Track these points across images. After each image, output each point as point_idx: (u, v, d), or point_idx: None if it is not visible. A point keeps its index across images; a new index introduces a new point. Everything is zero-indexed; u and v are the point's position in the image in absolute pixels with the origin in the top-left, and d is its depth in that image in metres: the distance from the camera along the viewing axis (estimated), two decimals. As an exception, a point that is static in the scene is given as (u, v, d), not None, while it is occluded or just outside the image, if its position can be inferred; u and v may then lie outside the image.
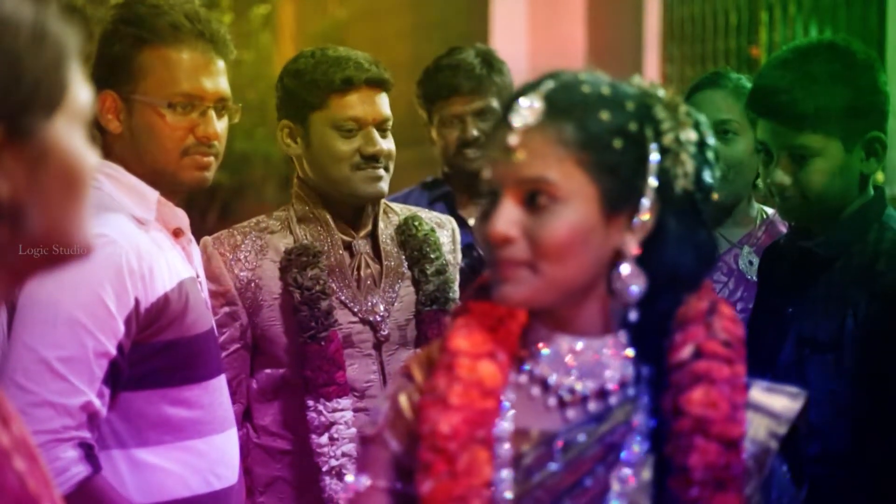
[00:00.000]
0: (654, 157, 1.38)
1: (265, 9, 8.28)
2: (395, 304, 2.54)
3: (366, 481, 1.45)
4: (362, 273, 2.54)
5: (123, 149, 2.14)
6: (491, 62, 3.21)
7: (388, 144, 2.51)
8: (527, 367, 1.42)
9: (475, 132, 3.14)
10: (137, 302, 2.01)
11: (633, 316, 1.38)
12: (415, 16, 8.41)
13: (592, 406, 1.40)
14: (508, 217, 1.35)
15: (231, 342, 2.49)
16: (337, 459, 2.45)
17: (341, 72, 2.49)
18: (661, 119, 1.39)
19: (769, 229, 2.77)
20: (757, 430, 1.39)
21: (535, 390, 1.41)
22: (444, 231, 2.66)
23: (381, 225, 2.58)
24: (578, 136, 1.36)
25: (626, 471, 1.37)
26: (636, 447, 1.38)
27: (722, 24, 6.95)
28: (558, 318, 1.41)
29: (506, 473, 1.38)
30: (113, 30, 2.14)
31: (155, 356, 2.07)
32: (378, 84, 2.51)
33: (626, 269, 1.37)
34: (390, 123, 2.53)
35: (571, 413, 1.40)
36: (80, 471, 1.94)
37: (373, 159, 2.48)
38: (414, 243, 2.56)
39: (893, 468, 2.03)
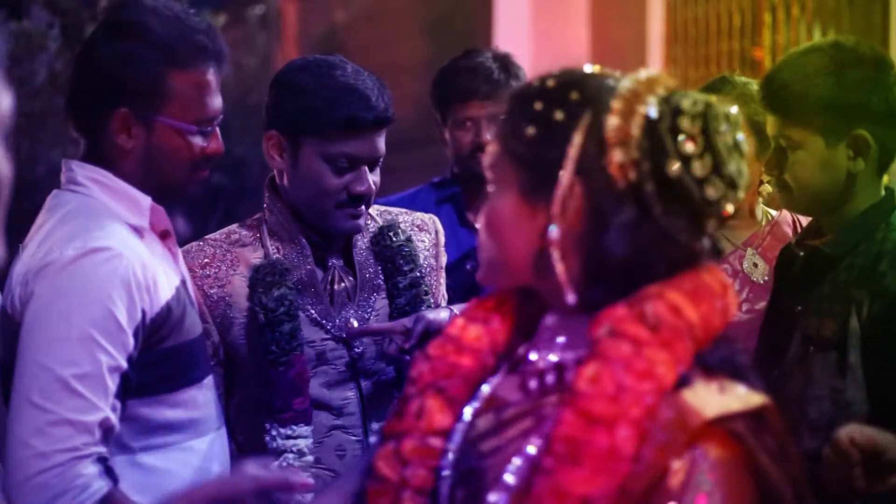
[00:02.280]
0: (576, 145, 1.38)
1: (260, 9, 8.27)
2: (371, 318, 2.43)
3: None
4: (335, 287, 2.43)
5: (132, 163, 2.13)
6: (508, 67, 3.20)
7: (376, 179, 2.40)
8: (519, 342, 1.49)
9: (489, 136, 3.13)
10: (144, 313, 2.03)
11: (570, 299, 1.40)
12: (418, 17, 8.40)
13: (549, 379, 1.43)
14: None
15: None
16: None
17: (347, 108, 2.32)
18: (610, 109, 1.38)
19: (774, 231, 2.76)
20: (671, 419, 1.32)
21: (518, 363, 1.48)
22: (426, 233, 2.56)
23: (357, 235, 2.46)
24: (504, 128, 1.45)
25: (536, 439, 1.38)
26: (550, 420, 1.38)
27: (725, 26, 6.93)
28: (543, 297, 1.47)
29: (459, 429, 1.45)
30: (131, 51, 2.10)
31: (158, 364, 2.09)
32: (383, 123, 2.37)
33: (553, 255, 1.39)
34: (381, 159, 2.41)
35: (532, 384, 1.44)
36: (102, 486, 1.95)
37: (358, 199, 2.36)
38: (388, 254, 2.46)
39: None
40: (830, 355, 2.12)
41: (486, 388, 1.47)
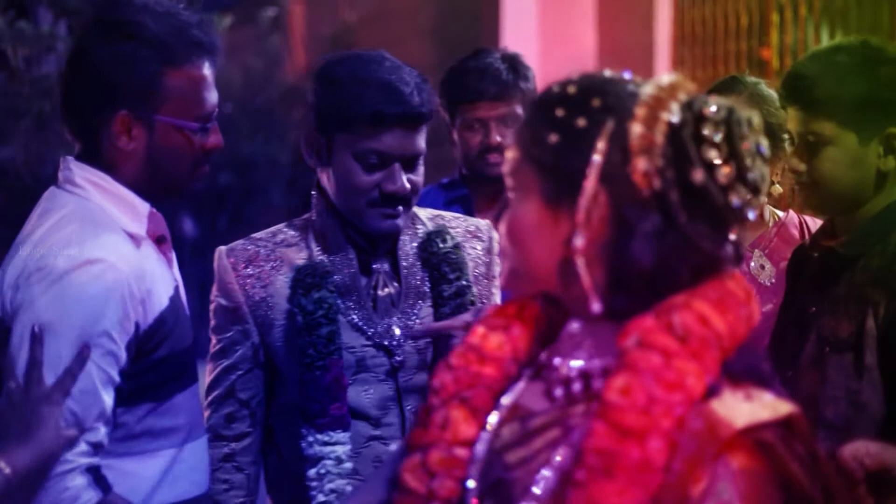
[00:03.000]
0: (600, 152, 1.37)
1: (273, 12, 8.28)
2: (415, 325, 2.34)
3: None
4: (379, 293, 2.35)
5: (134, 165, 2.11)
6: (517, 68, 3.18)
7: (415, 178, 2.30)
8: (540, 348, 1.49)
9: (498, 138, 3.12)
10: (138, 326, 2.03)
11: (595, 307, 1.39)
12: (425, 18, 8.40)
13: (577, 387, 1.43)
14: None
15: (243, 361, 2.35)
16: (325, 495, 2.28)
17: (373, 102, 2.25)
18: (633, 115, 1.37)
19: (781, 232, 2.76)
20: (701, 430, 1.32)
21: (541, 370, 1.48)
22: (479, 241, 2.46)
23: (405, 238, 2.38)
24: (526, 134, 1.43)
25: (564, 449, 1.38)
26: (580, 431, 1.38)
27: (733, 26, 6.92)
28: (566, 304, 1.46)
29: (484, 438, 1.45)
30: (126, 52, 2.08)
31: (148, 372, 2.08)
32: (414, 119, 2.27)
33: (578, 262, 1.39)
34: (422, 158, 2.31)
35: (558, 392, 1.44)
36: (92, 496, 1.96)
37: (391, 198, 2.27)
38: (434, 261, 2.37)
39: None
40: (846, 356, 2.11)
41: (508, 397, 1.47)
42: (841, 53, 2.16)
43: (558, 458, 1.39)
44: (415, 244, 2.39)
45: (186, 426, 2.16)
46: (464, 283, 2.36)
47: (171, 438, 2.13)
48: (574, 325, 1.47)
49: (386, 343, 2.33)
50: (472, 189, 3.24)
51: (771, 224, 2.78)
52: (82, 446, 1.96)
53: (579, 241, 1.38)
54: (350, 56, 2.36)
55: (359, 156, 2.26)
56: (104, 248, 2.00)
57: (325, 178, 2.34)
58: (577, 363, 1.44)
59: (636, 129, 1.36)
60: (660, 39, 7.36)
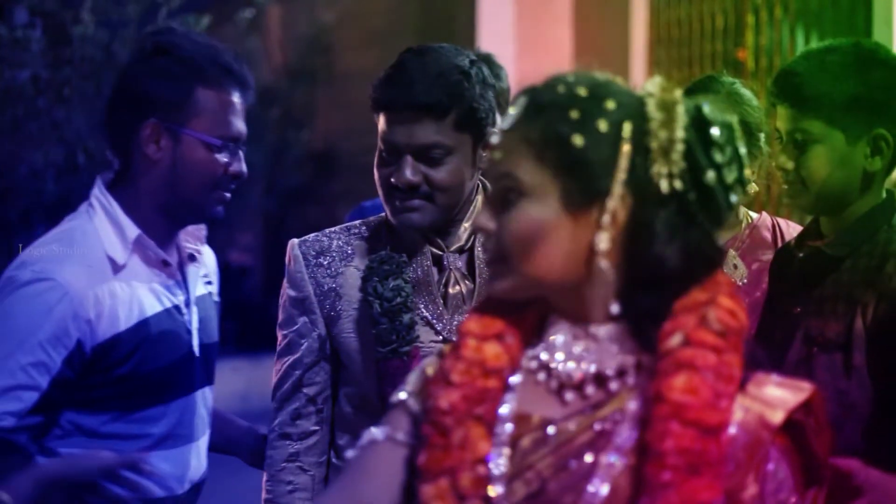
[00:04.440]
0: (626, 155, 1.39)
1: (250, 13, 8.26)
2: None
3: (381, 432, 1.50)
4: (450, 290, 2.29)
5: (155, 175, 2.26)
6: (490, 68, 3.19)
7: (432, 172, 2.21)
8: (534, 352, 1.47)
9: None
10: (81, 343, 2.16)
11: (614, 308, 1.42)
12: (402, 18, 8.40)
13: (590, 390, 1.43)
14: (487, 212, 1.44)
15: (310, 353, 2.32)
16: None
17: (380, 88, 2.23)
18: (650, 118, 1.41)
19: (753, 234, 2.77)
20: (749, 419, 1.40)
21: (542, 375, 1.46)
22: None
23: (481, 238, 2.22)
24: (542, 135, 1.41)
25: (613, 456, 1.39)
26: (626, 434, 1.40)
27: (708, 27, 6.94)
28: (563, 307, 1.45)
29: (503, 452, 1.42)
30: (161, 66, 2.25)
31: (110, 385, 2.22)
32: (414, 108, 2.20)
33: (602, 265, 1.41)
34: (441, 151, 2.21)
35: (569, 396, 1.44)
36: None
37: (396, 189, 2.21)
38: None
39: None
40: (835, 356, 2.11)
41: (509, 406, 1.45)
42: (833, 53, 2.17)
43: (609, 462, 1.39)
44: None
45: (159, 435, 2.27)
46: None
47: (139, 444, 2.24)
48: (567, 327, 1.46)
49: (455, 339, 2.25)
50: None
51: (744, 225, 2.79)
52: None
53: (605, 244, 1.40)
54: (417, 48, 2.31)
55: (379, 147, 2.24)
56: (63, 271, 2.16)
57: None
58: (589, 366, 1.44)
59: (660, 132, 1.40)
60: (635, 41, 7.38)
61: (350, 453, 1.53)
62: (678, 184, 1.40)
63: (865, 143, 2.14)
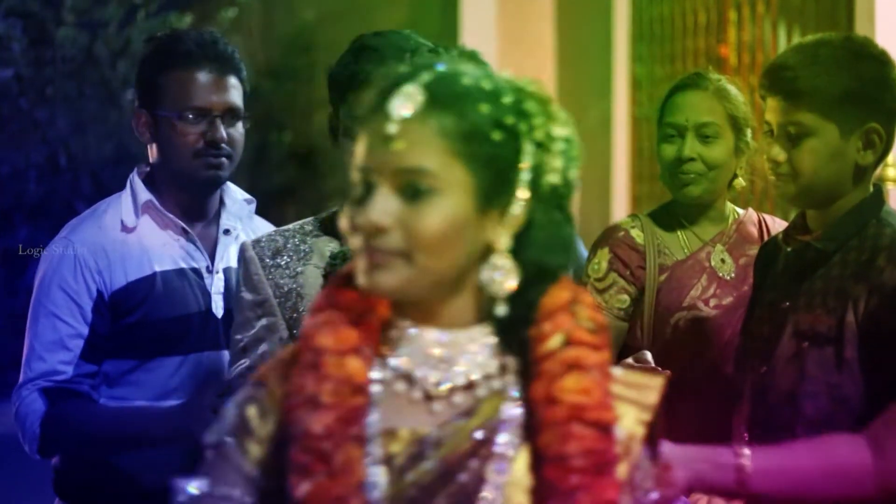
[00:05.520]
0: (529, 151, 1.38)
1: (233, 12, 8.24)
2: None
3: (200, 488, 1.41)
4: None
5: (154, 157, 2.61)
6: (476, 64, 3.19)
7: None
8: (391, 361, 1.40)
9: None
10: (100, 293, 2.50)
11: (501, 310, 1.38)
12: (385, 16, 8.39)
13: (459, 399, 1.39)
14: (384, 206, 1.34)
15: (268, 357, 2.24)
16: None
17: (353, 67, 2.20)
18: (534, 113, 1.39)
19: (740, 229, 2.78)
20: (623, 416, 1.40)
21: (400, 385, 1.40)
22: None
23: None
24: (459, 128, 1.35)
25: (500, 463, 1.37)
26: (507, 439, 1.38)
27: (691, 23, 6.95)
28: (423, 309, 1.39)
29: (378, 472, 1.37)
30: (144, 58, 2.62)
31: (124, 333, 2.52)
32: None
33: (501, 263, 1.37)
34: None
35: (438, 407, 1.39)
36: (39, 406, 2.48)
37: None
38: None
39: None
40: (826, 351, 2.11)
41: (377, 422, 1.38)
42: (825, 47, 2.17)
43: (500, 471, 1.37)
44: None
45: (176, 385, 2.54)
46: None
47: (155, 391, 2.53)
48: (426, 333, 1.40)
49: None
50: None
51: (731, 220, 2.79)
52: (40, 373, 2.50)
53: (506, 242, 1.37)
54: (372, 33, 2.30)
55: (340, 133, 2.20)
56: (77, 231, 2.55)
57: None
58: (455, 373, 1.40)
59: (553, 128, 1.39)
60: (618, 37, 7.38)
61: None
62: (558, 179, 1.39)
63: (858, 136, 2.14)
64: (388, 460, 1.37)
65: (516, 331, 1.39)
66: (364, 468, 1.35)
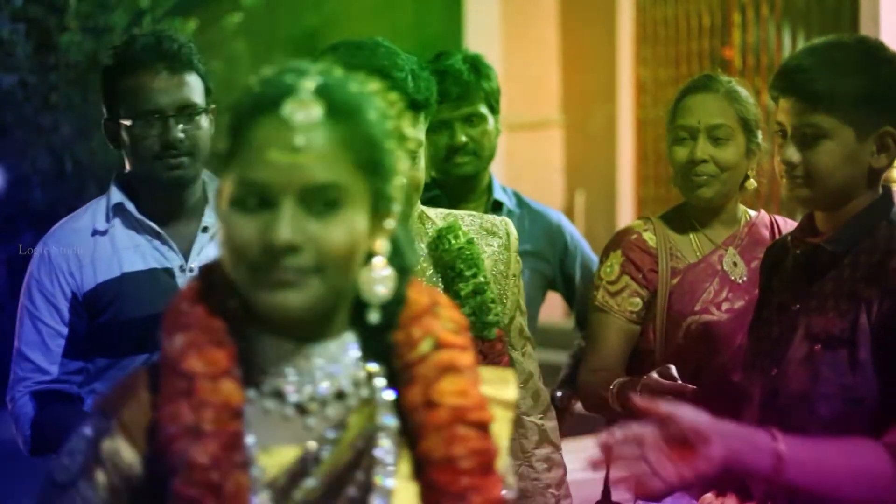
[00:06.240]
0: (402, 157, 1.39)
1: (238, 16, 8.24)
2: None
3: None
4: None
5: (126, 162, 2.64)
6: (479, 68, 3.18)
7: (414, 172, 2.08)
8: (262, 379, 1.37)
9: (464, 138, 3.12)
10: (74, 294, 2.57)
11: (374, 317, 1.36)
12: (389, 20, 8.39)
13: (331, 411, 1.37)
14: (296, 224, 1.29)
15: None
16: None
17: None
18: (392, 115, 1.42)
19: (752, 231, 2.77)
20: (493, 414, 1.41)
21: (271, 404, 1.36)
22: (496, 237, 2.31)
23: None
24: (358, 137, 1.32)
25: (384, 471, 1.36)
26: (387, 446, 1.37)
27: (695, 25, 6.95)
28: (289, 324, 1.35)
29: (265, 496, 1.33)
30: (104, 68, 2.63)
31: (97, 333, 2.58)
32: (408, 106, 2.09)
33: (382, 269, 1.36)
34: (422, 149, 2.10)
35: (312, 421, 1.36)
36: (30, 409, 2.55)
37: None
38: (447, 260, 2.20)
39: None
40: (840, 353, 2.10)
41: (253, 444, 1.34)
42: (841, 49, 2.16)
43: (386, 478, 1.36)
44: (422, 244, 2.22)
45: None
46: (481, 279, 2.19)
47: None
48: (292, 347, 1.36)
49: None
50: (443, 190, 3.24)
51: (743, 223, 2.79)
52: (29, 380, 2.58)
53: (387, 248, 1.37)
54: (343, 43, 2.21)
55: None
56: (53, 235, 2.64)
57: None
58: (326, 385, 1.37)
59: (406, 130, 1.42)
60: (622, 39, 7.38)
61: None
62: (405, 178, 1.42)
63: (873, 140, 2.14)
64: (271, 483, 1.33)
65: (381, 336, 1.38)
66: (250, 495, 1.31)
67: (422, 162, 2.10)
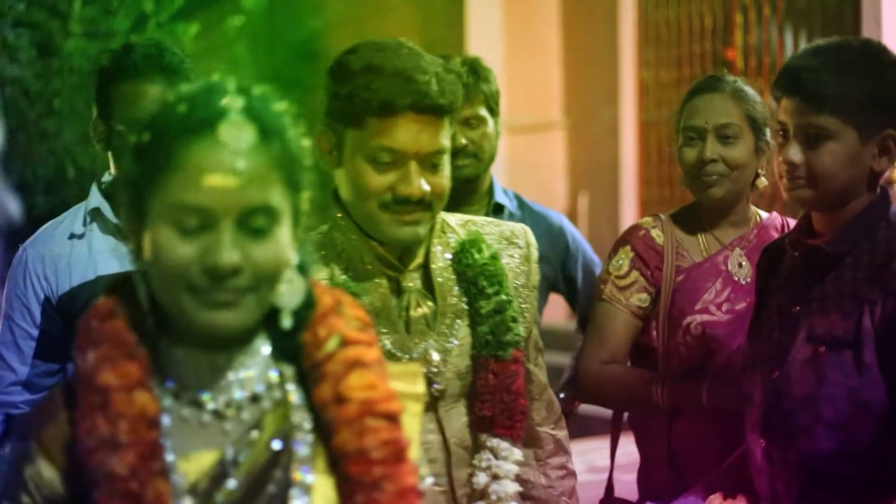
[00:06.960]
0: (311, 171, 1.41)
1: (239, 20, 8.25)
2: (454, 347, 2.08)
3: None
4: (412, 314, 2.07)
5: (112, 165, 2.66)
6: (478, 70, 3.19)
7: (437, 179, 2.02)
8: (173, 388, 1.39)
9: (463, 140, 3.12)
10: (48, 297, 2.63)
11: (287, 321, 1.39)
12: (391, 23, 8.40)
13: (246, 414, 1.41)
14: (236, 246, 1.33)
15: None
16: None
17: (383, 91, 1.98)
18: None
19: (760, 233, 2.77)
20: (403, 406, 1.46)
21: (187, 411, 1.39)
22: (517, 247, 2.21)
23: (435, 251, 2.12)
24: (286, 157, 1.36)
25: (302, 468, 1.40)
26: (304, 443, 1.41)
27: (697, 27, 6.95)
28: (217, 339, 1.38)
29: (187, 502, 1.36)
30: (98, 71, 2.66)
31: (72, 337, 2.53)
32: (430, 111, 2.00)
33: (294, 277, 1.39)
34: (445, 156, 2.04)
35: (229, 425, 1.40)
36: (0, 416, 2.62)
37: (405, 201, 2.00)
38: (470, 275, 2.11)
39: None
40: (844, 354, 2.10)
41: (172, 452, 1.37)
42: (846, 51, 2.17)
43: (306, 475, 1.39)
44: (448, 255, 2.13)
45: None
46: (503, 297, 2.11)
47: None
48: (203, 355, 1.39)
49: (423, 370, 1.96)
50: (446, 192, 3.24)
51: (752, 224, 2.79)
52: (2, 383, 2.66)
53: (296, 256, 1.40)
54: (364, 44, 2.09)
55: (369, 154, 2.00)
56: (33, 241, 2.69)
57: (339, 185, 2.09)
58: (240, 390, 1.40)
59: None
60: (624, 41, 7.38)
61: None
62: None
63: (875, 142, 2.14)
64: (192, 489, 1.36)
65: (291, 338, 1.42)
66: (172, 501, 1.34)
67: (446, 169, 2.03)
